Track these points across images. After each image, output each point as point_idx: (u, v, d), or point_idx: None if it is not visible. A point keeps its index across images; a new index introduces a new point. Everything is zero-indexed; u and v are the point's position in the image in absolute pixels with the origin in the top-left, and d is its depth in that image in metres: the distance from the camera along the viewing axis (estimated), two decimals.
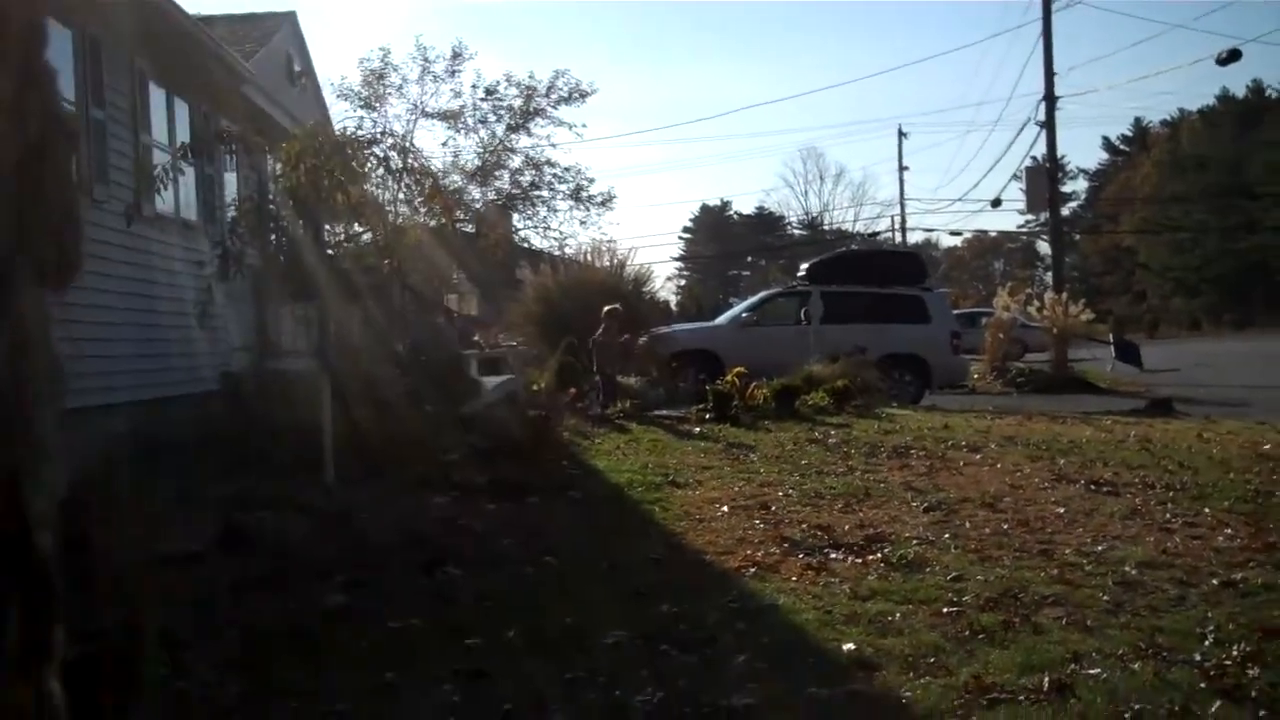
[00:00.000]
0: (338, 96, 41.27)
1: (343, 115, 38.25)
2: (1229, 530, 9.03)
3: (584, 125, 58.81)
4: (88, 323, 10.04)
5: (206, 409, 11.88)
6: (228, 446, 10.71)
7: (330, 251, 13.11)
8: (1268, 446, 13.81)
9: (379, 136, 9.76)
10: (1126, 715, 5.09)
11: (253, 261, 10.71)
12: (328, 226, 12.18)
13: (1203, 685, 5.50)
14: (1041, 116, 39.69)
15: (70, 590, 4.82)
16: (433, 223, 15.30)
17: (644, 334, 23.88)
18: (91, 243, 10.23)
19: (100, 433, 9.93)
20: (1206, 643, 6.18)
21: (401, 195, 12.63)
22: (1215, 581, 7.44)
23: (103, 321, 10.32)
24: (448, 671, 5.88)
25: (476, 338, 25.84)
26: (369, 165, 9.20)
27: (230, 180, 14.14)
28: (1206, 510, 9.81)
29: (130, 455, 10.13)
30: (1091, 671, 5.68)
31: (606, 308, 19.38)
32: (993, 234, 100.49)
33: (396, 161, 9.35)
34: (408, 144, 9.97)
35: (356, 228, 13.17)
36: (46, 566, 2.43)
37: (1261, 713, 5.16)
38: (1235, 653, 5.96)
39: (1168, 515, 9.62)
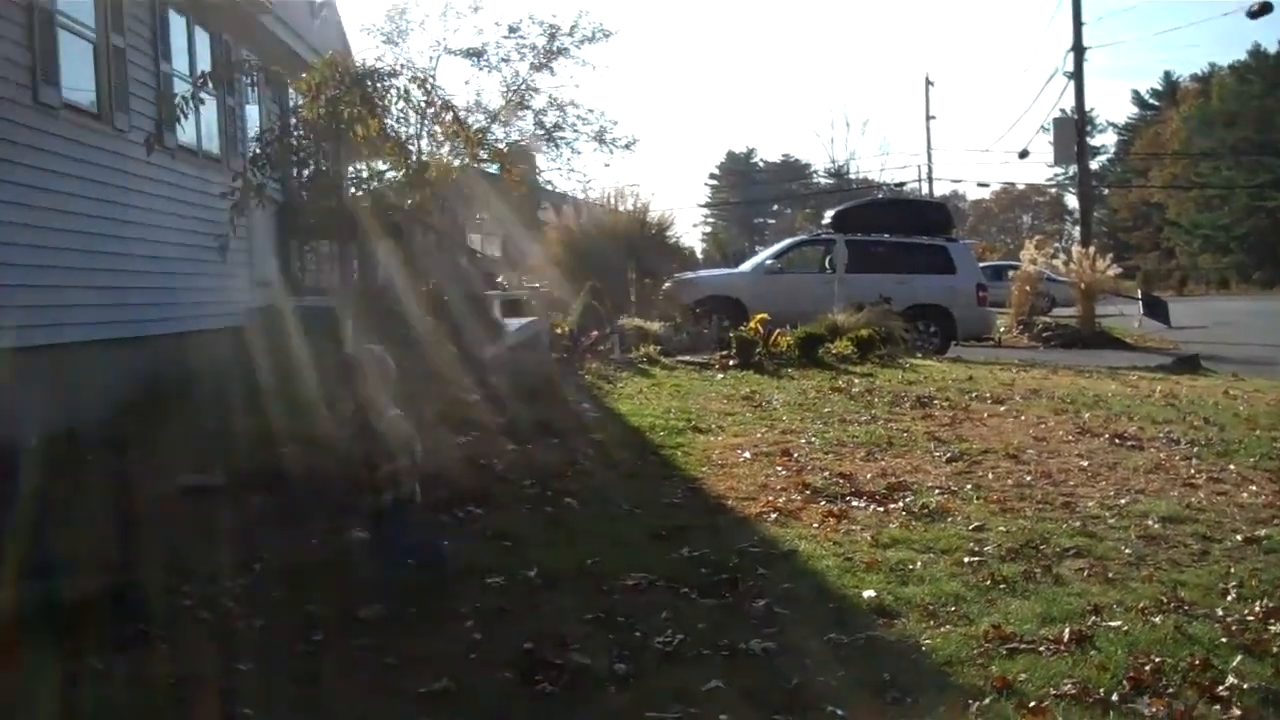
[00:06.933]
0: (360, 30, 40.97)
1: (365, 49, 37.93)
2: (1253, 487, 8.97)
3: (608, 66, 58.54)
4: (110, 254, 10.02)
5: (230, 344, 11.85)
6: (250, 382, 10.71)
7: (353, 189, 13.03)
8: None
9: (398, 69, 9.58)
10: (1146, 668, 5.05)
11: (275, 196, 10.66)
12: (352, 166, 12.09)
13: (1224, 640, 5.46)
14: (1069, 67, 39.26)
15: (99, 522, 4.81)
16: (456, 161, 15.19)
17: (668, 279, 23.83)
18: (112, 172, 10.19)
19: (126, 366, 9.93)
20: (1228, 598, 6.14)
21: (424, 130, 12.52)
22: (1238, 537, 7.39)
23: (125, 253, 10.29)
24: (469, 608, 5.90)
25: (499, 279, 25.78)
26: (389, 98, 9.08)
27: (252, 113, 14.05)
28: (1231, 466, 9.74)
29: (155, 390, 10.13)
30: (1112, 624, 5.64)
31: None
32: (1020, 187, 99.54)
33: (417, 94, 9.22)
34: (428, 76, 9.80)
35: (380, 165, 13.07)
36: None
37: None
38: (1257, 608, 5.91)
39: (1192, 470, 9.55)
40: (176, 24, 12.18)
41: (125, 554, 6.30)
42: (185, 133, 11.63)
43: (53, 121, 9.20)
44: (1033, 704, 4.66)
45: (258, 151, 9.57)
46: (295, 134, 9.42)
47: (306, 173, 9.81)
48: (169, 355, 10.74)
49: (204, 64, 12.42)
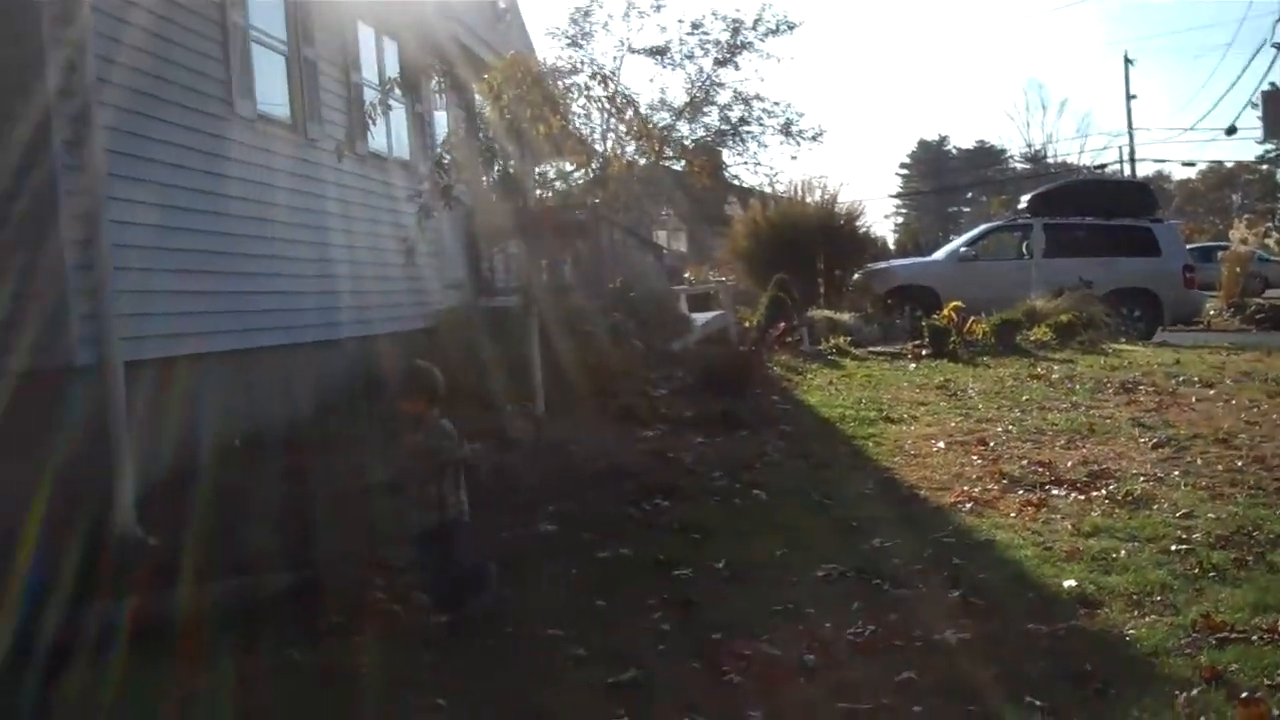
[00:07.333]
0: (545, 35, 41.49)
1: (550, 53, 38.39)
2: None
3: (793, 58, 57.99)
4: (303, 259, 10.30)
5: (420, 345, 12.07)
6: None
7: (539, 190, 13.19)
8: None
9: (579, 66, 9.59)
10: None
11: (462, 198, 10.82)
12: (539, 167, 12.22)
13: None
14: (1278, 38, 37.56)
15: (293, 519, 4.92)
16: (642, 160, 15.26)
17: (858, 270, 23.61)
18: (306, 180, 10.48)
19: (320, 368, 10.21)
20: None
21: (608, 128, 12.61)
22: None
23: (319, 259, 10.57)
24: (657, 600, 5.90)
25: (686, 274, 25.87)
26: (570, 95, 9.13)
27: (441, 119, 14.31)
28: None
29: (348, 390, 10.39)
30: None
31: None
32: (1229, 165, 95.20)
33: (598, 90, 9.23)
34: (607, 73, 9.81)
35: (567, 166, 13.21)
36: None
37: None
38: None
39: None
40: (365, 35, 12.49)
41: (318, 549, 6.47)
42: (375, 140, 11.91)
43: (248, 132, 9.51)
44: (1245, 694, 4.43)
45: (443, 154, 9.72)
46: (481, 135, 9.54)
47: (494, 174, 9.93)
48: (362, 357, 10.99)
49: (393, 72, 12.71)
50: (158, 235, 7.97)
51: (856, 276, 23.71)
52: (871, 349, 17.17)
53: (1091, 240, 22.91)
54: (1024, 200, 26.60)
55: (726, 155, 40.51)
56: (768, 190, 34.59)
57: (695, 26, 40.74)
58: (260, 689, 4.96)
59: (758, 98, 41.38)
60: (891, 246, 44.48)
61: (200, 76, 8.81)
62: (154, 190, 7.94)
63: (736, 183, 39.29)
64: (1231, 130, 62.13)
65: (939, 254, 25.89)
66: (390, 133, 12.60)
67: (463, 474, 5.83)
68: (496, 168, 9.66)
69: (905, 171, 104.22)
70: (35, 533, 6.24)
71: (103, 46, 7.35)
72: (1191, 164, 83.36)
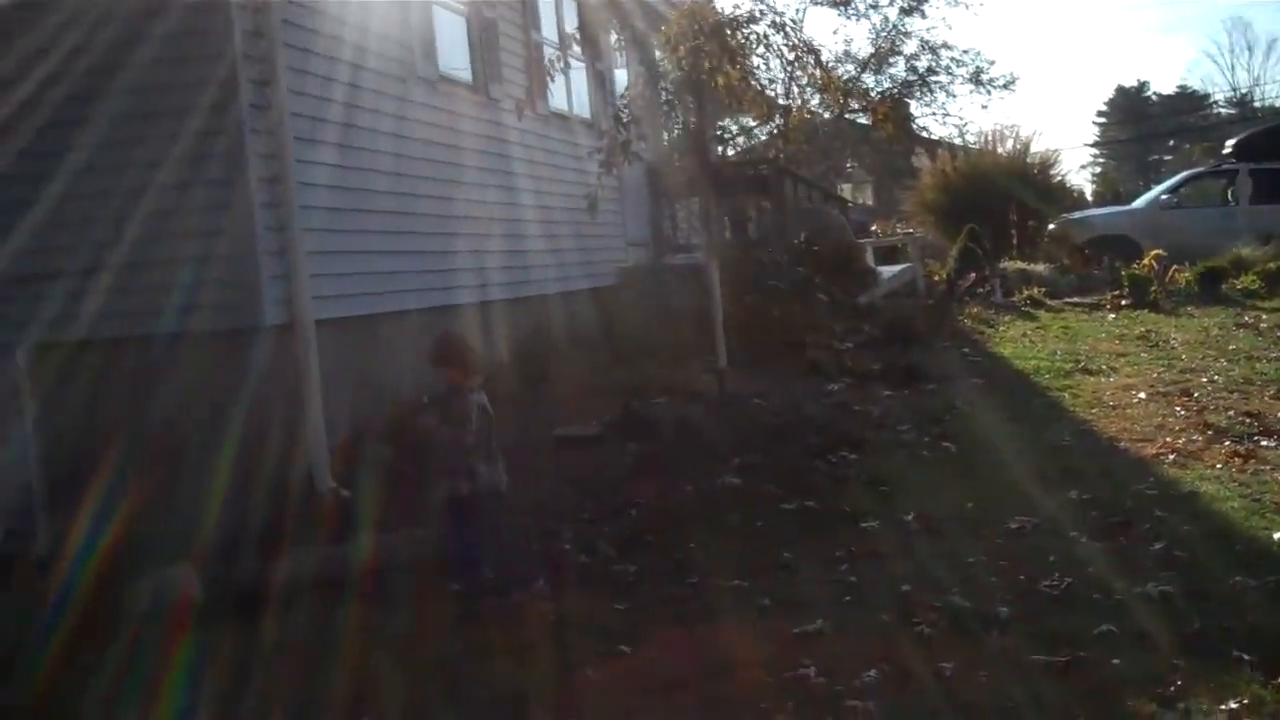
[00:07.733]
0: None
1: (729, 4, 37.98)
2: None
3: (982, 3, 56.38)
4: (489, 219, 10.41)
5: (604, 302, 12.12)
6: (624, 337, 10.96)
7: (721, 146, 13.07)
8: None
9: (757, 14, 9.38)
10: None
11: (643, 154, 10.75)
12: (720, 122, 12.10)
13: None
14: None
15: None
16: (826, 113, 15.03)
17: (1052, 220, 22.96)
18: (489, 139, 10.58)
19: (506, 326, 10.33)
20: None
21: (791, 80, 12.41)
22: None
23: (505, 218, 10.67)
24: (844, 552, 5.84)
25: (873, 227, 25.48)
26: (749, 44, 8.96)
27: (620, 77, 14.30)
28: None
29: (534, 346, 10.50)
30: None
31: None
32: None
33: (777, 40, 9.05)
34: (787, 21, 9.55)
35: (749, 121, 13.05)
36: None
37: None
38: None
39: None
40: None
41: (510, 501, 6.55)
42: (555, 98, 11.94)
43: (431, 93, 9.62)
44: None
45: (622, 109, 9.67)
46: (661, 89, 9.48)
47: (675, 130, 9.87)
48: (547, 313, 11.07)
49: (571, 30, 12.71)
50: (343, 196, 8.11)
51: (1051, 227, 22.98)
52: (1067, 300, 16.64)
53: None
54: (1229, 145, 25.39)
55: (914, 106, 39.57)
56: (957, 141, 33.82)
57: None
58: (446, 635, 5.06)
59: (945, 46, 40.21)
60: (1089, 197, 42.96)
61: (382, 39, 8.93)
62: (339, 152, 8.08)
63: (924, 134, 38.40)
64: None
65: (1138, 203, 24.94)
66: (570, 91, 12.64)
67: (495, 445, 5.65)
68: (677, 123, 9.59)
69: (1102, 120, 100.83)
70: (231, 486, 6.47)
71: (286, 11, 7.50)
72: None
